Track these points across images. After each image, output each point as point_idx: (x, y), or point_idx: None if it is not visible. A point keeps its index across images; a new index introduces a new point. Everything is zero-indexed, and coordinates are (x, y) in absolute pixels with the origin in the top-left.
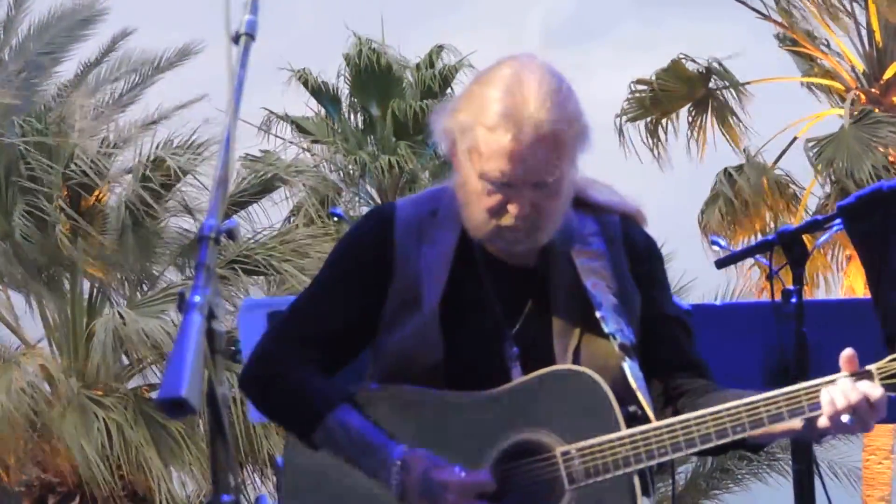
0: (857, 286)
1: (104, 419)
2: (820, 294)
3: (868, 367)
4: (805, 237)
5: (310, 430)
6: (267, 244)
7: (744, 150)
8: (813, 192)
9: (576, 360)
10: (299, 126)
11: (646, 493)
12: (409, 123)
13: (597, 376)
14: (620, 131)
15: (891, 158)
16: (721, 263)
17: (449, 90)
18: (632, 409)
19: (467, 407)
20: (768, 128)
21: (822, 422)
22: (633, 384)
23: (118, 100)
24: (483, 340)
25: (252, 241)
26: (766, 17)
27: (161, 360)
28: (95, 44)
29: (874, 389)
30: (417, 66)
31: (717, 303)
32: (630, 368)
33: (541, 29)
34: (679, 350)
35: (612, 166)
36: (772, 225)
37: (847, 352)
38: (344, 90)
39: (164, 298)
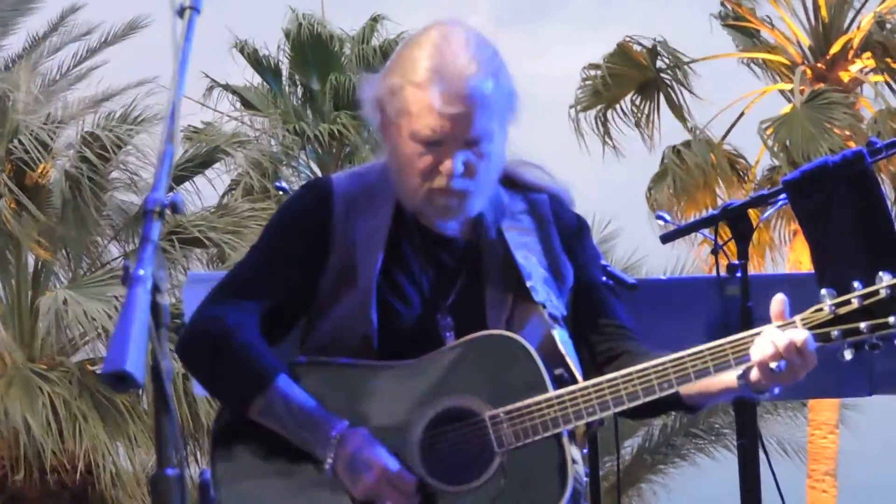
0: (803, 260)
1: (49, 393)
2: (767, 269)
3: (793, 318)
4: (751, 212)
5: (250, 398)
6: (207, 217)
7: (692, 129)
8: (762, 166)
9: (508, 329)
10: (241, 96)
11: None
12: (349, 96)
13: (522, 340)
14: (576, 122)
15: (844, 138)
16: (666, 238)
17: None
18: (558, 371)
19: (395, 376)
20: (716, 106)
21: (754, 374)
22: (562, 349)
23: (65, 74)
24: (417, 312)
25: (193, 214)
26: None
27: (106, 334)
28: (44, 18)
29: (800, 334)
30: (355, 39)
31: (663, 277)
32: (559, 335)
33: (488, 5)
34: (610, 317)
35: (565, 146)
36: (723, 200)
37: (778, 297)
38: (284, 63)
39: (108, 274)
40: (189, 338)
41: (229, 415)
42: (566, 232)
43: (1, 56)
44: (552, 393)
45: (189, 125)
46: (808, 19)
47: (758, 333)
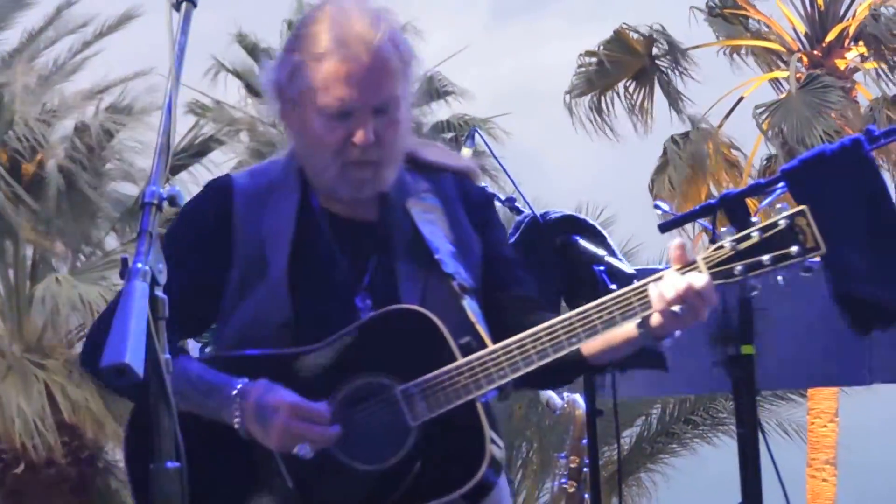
0: None
1: (45, 381)
2: None
3: (694, 258)
4: (749, 201)
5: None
6: None
7: (689, 118)
8: (759, 155)
9: (423, 305)
10: (245, 82)
11: (491, 422)
12: None
13: (425, 311)
14: (570, 109)
15: (840, 123)
16: (664, 227)
17: None
18: (465, 340)
19: (302, 361)
20: (712, 94)
21: (655, 319)
22: (472, 318)
23: (61, 67)
24: (334, 297)
25: None
26: None
27: None
28: (40, 12)
29: (700, 277)
30: None
31: (661, 266)
32: (468, 304)
33: None
34: (519, 288)
35: (562, 136)
36: (722, 189)
37: (676, 241)
38: None
39: (105, 265)
40: (88, 349)
41: (140, 411)
42: (473, 208)
43: None
44: (461, 360)
45: (196, 100)
46: (804, 6)
47: (659, 278)
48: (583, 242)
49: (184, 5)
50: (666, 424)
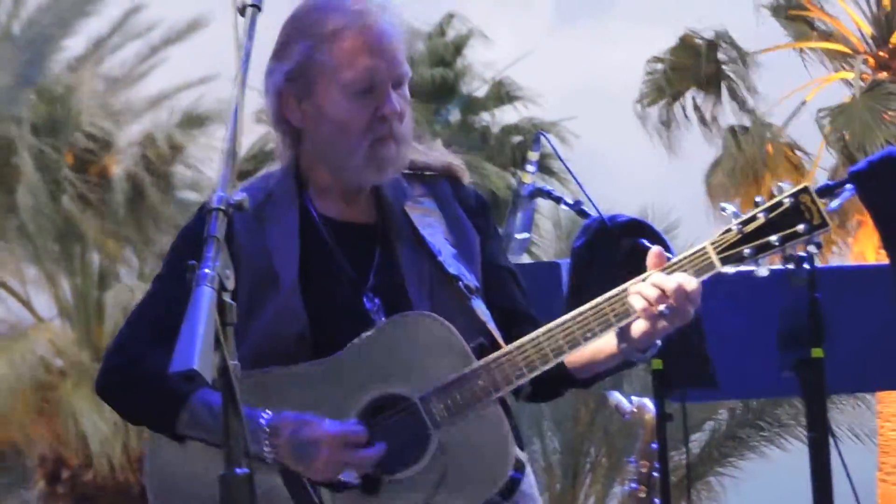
0: (867, 252)
1: None
2: (832, 261)
3: (703, 244)
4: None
5: (174, 416)
6: None
7: (750, 114)
8: (822, 158)
9: (432, 304)
10: None
11: (515, 438)
12: (422, 91)
13: (436, 316)
14: (641, 117)
15: None
16: None
17: (460, 58)
18: (478, 342)
19: (317, 376)
20: (778, 95)
21: (638, 325)
22: (482, 317)
23: (128, 73)
24: (343, 301)
25: None
26: None
27: None
28: (107, 19)
29: (688, 279)
30: (429, 35)
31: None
32: (477, 306)
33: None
34: (513, 300)
35: (627, 135)
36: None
37: (654, 249)
38: None
39: None
40: (103, 381)
41: (161, 446)
42: (469, 210)
43: (64, 57)
44: (476, 363)
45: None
46: (870, 7)
47: (642, 279)
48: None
49: (249, 10)
50: (734, 429)
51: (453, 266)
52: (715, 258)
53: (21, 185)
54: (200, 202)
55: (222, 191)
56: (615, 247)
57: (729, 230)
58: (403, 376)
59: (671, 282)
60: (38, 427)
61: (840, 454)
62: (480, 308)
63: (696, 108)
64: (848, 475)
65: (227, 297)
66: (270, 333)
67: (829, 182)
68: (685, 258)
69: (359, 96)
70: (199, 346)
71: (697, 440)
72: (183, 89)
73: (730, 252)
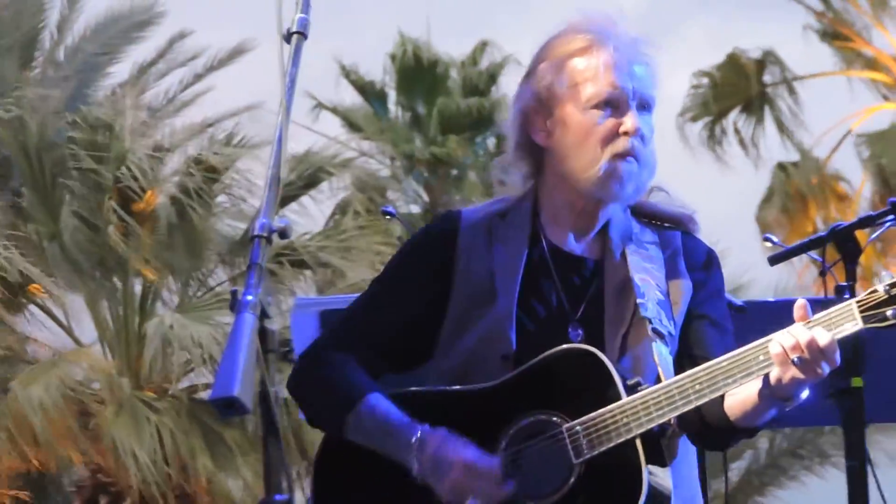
0: None
1: (156, 423)
2: None
3: (848, 302)
4: (858, 233)
5: (342, 416)
6: (314, 239)
7: (797, 147)
8: (866, 188)
9: (623, 346)
10: (347, 119)
11: (657, 459)
12: (457, 121)
13: (596, 350)
14: (683, 131)
15: None
16: (774, 260)
17: (494, 87)
18: (635, 380)
19: (478, 398)
20: (824, 122)
21: (774, 372)
22: (657, 360)
23: (171, 100)
24: (551, 329)
25: (302, 235)
26: (817, 13)
27: (212, 360)
28: (152, 45)
29: (824, 334)
30: (462, 63)
31: (771, 299)
32: (657, 349)
33: None
34: (704, 346)
35: (674, 160)
36: (831, 221)
37: (799, 301)
38: (390, 87)
39: (215, 298)
40: (294, 376)
41: (330, 442)
42: (692, 264)
43: (108, 84)
44: (624, 400)
45: (291, 154)
46: None
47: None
48: None
49: (294, 37)
50: (774, 457)
51: (652, 310)
52: (858, 316)
53: (63, 212)
54: (243, 229)
55: (265, 217)
56: None
57: (875, 290)
58: (557, 406)
59: (806, 334)
60: (76, 453)
61: (878, 482)
62: (660, 352)
63: (737, 130)
64: (885, 503)
65: (268, 324)
66: (477, 352)
67: (871, 212)
68: (828, 313)
69: (600, 109)
70: (240, 374)
71: (737, 468)
72: (227, 117)
73: (875, 311)
